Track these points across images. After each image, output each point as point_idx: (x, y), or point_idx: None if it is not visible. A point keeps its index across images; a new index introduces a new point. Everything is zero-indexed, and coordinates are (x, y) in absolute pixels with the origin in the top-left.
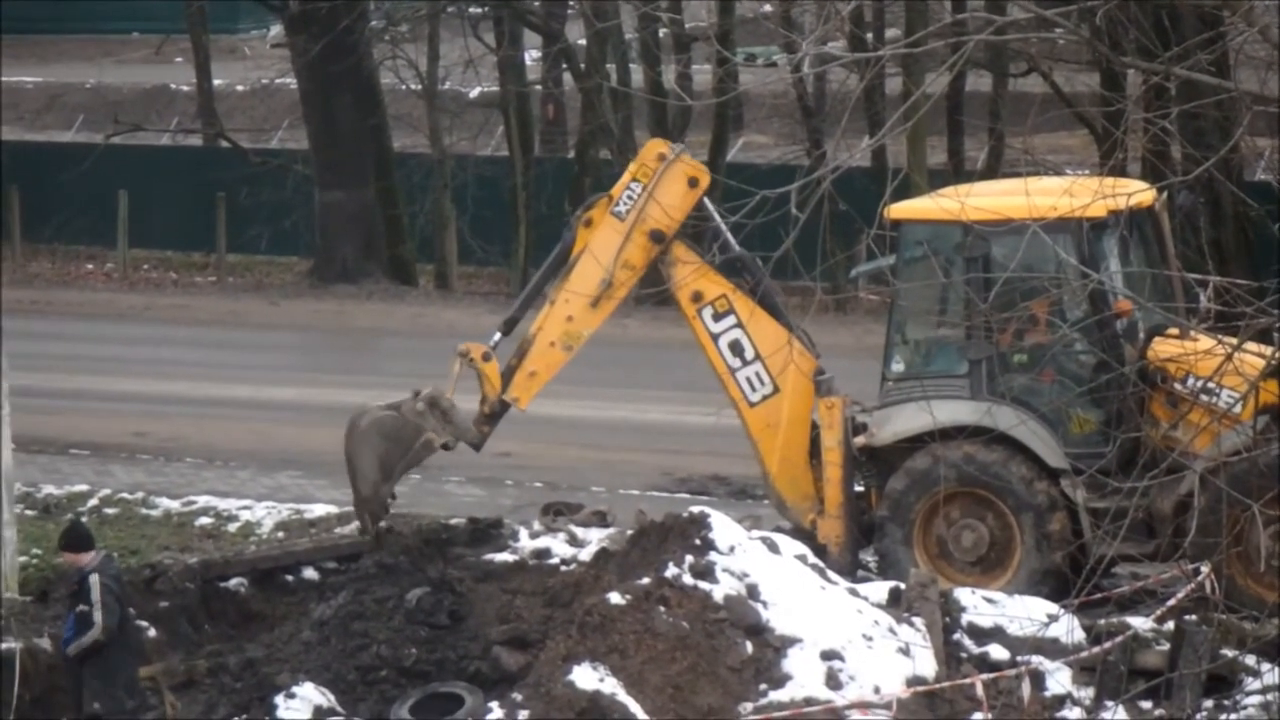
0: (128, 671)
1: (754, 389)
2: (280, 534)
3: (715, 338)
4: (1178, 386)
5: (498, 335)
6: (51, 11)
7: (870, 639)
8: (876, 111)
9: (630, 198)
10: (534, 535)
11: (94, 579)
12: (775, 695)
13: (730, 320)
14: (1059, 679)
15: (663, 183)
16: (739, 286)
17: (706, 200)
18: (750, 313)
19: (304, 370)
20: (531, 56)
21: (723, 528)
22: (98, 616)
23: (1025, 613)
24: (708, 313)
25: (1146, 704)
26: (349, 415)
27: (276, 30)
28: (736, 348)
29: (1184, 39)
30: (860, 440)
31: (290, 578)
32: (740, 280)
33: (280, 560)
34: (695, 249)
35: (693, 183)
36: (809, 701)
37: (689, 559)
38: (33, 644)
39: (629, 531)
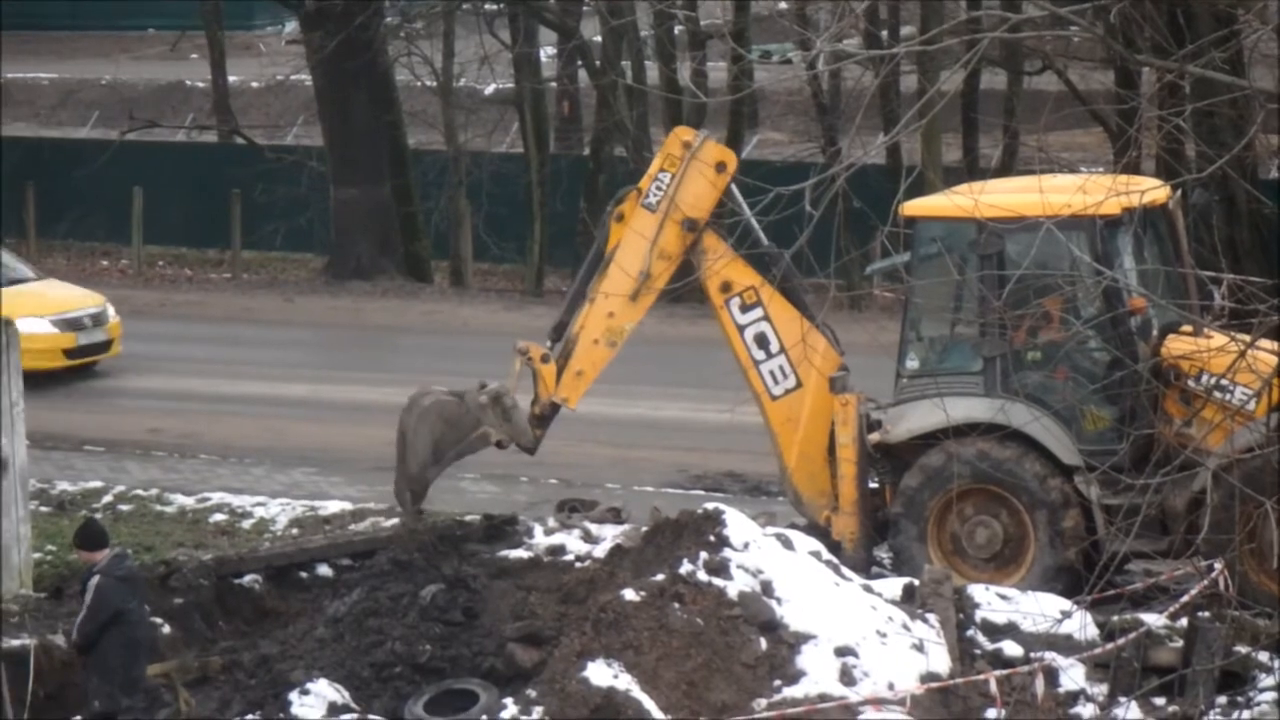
0: (128, 670)
1: (776, 382)
2: (295, 531)
3: (741, 329)
4: (1191, 384)
5: (549, 343)
6: (67, 8)
7: (884, 635)
8: (891, 109)
9: (659, 188)
10: (549, 532)
11: (92, 582)
12: (789, 691)
13: (757, 312)
14: (1072, 675)
15: (690, 170)
16: (767, 280)
17: (735, 189)
18: (777, 306)
19: (318, 367)
20: (547, 53)
21: (737, 524)
22: (78, 621)
23: (1039, 609)
24: (735, 304)
25: (1160, 700)
26: (410, 395)
27: (292, 27)
28: (762, 340)
29: (1198, 37)
30: (875, 437)
31: (305, 574)
32: (768, 274)
33: (295, 557)
34: (726, 238)
35: (720, 167)
36: (823, 698)
37: (703, 556)
38: (47, 640)
39: (644, 528)
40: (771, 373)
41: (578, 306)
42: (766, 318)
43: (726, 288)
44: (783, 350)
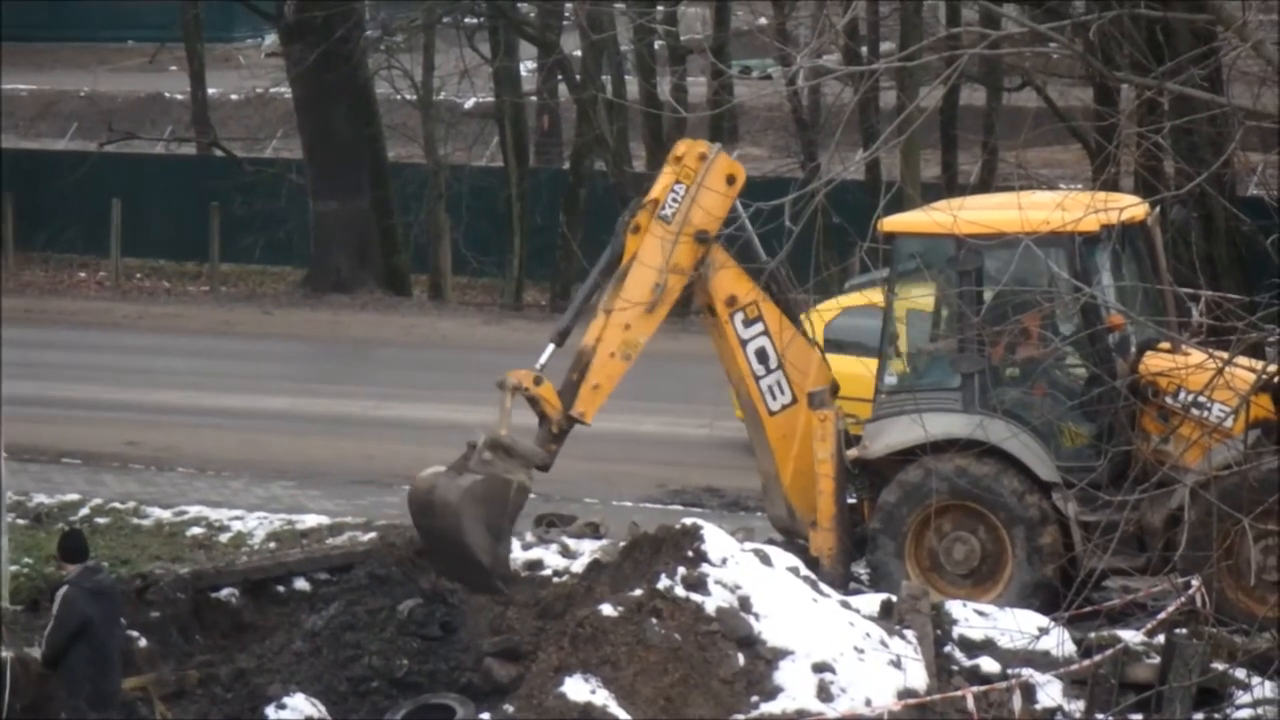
0: (96, 684)
1: (774, 398)
2: (272, 544)
3: (744, 343)
4: (1169, 401)
5: (551, 347)
6: (46, 19)
7: (862, 651)
8: (871, 124)
9: (675, 200)
10: (526, 546)
11: (59, 593)
12: (767, 707)
13: (759, 327)
14: (1050, 692)
15: (705, 183)
16: (765, 294)
17: (739, 203)
18: (775, 321)
19: (297, 380)
20: (527, 67)
21: (715, 540)
22: (45, 632)
23: (1016, 625)
24: (739, 318)
25: (1137, 717)
26: (416, 493)
27: (271, 39)
28: (762, 355)
29: (1177, 54)
30: (853, 453)
31: (282, 588)
32: (763, 288)
33: (272, 571)
34: (730, 252)
35: (730, 180)
36: (800, 714)
37: (681, 571)
38: (23, 653)
39: (622, 543)
40: (770, 388)
41: (582, 314)
42: (767, 333)
43: (731, 301)
44: (780, 366)
